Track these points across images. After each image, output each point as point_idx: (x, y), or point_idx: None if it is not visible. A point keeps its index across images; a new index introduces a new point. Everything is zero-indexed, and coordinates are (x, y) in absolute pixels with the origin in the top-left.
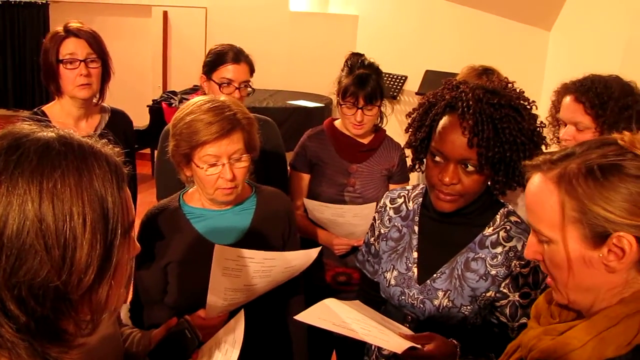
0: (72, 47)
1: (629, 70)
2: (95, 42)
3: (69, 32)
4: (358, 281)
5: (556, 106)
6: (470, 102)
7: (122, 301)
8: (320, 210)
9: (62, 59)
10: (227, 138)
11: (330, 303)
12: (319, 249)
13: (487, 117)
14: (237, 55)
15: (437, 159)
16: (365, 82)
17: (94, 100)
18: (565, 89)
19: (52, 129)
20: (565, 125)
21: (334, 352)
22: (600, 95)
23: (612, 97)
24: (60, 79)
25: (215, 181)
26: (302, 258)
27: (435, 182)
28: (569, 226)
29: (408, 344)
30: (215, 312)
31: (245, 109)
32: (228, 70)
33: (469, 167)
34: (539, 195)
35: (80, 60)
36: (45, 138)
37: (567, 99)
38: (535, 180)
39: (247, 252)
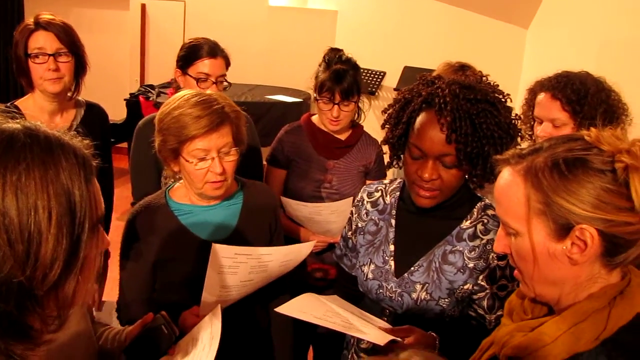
0: (41, 41)
1: (605, 68)
2: (65, 36)
3: (38, 25)
4: (334, 277)
5: (529, 104)
6: (447, 98)
7: (90, 296)
8: (298, 208)
9: (30, 53)
10: (217, 132)
11: (310, 296)
12: (312, 243)
13: (464, 113)
14: (213, 50)
15: (416, 155)
16: (342, 77)
17: (69, 94)
18: (540, 86)
19: (18, 121)
20: (541, 123)
21: (311, 348)
22: (577, 92)
23: (588, 93)
24: (30, 73)
25: (204, 175)
26: (295, 252)
27: (415, 178)
28: (534, 218)
29: (390, 336)
30: (210, 309)
31: (232, 102)
32: (205, 65)
33: (448, 162)
34: (507, 187)
35: (49, 55)
36: (9, 130)
37: (542, 96)
38: (504, 174)
39: (244, 250)
